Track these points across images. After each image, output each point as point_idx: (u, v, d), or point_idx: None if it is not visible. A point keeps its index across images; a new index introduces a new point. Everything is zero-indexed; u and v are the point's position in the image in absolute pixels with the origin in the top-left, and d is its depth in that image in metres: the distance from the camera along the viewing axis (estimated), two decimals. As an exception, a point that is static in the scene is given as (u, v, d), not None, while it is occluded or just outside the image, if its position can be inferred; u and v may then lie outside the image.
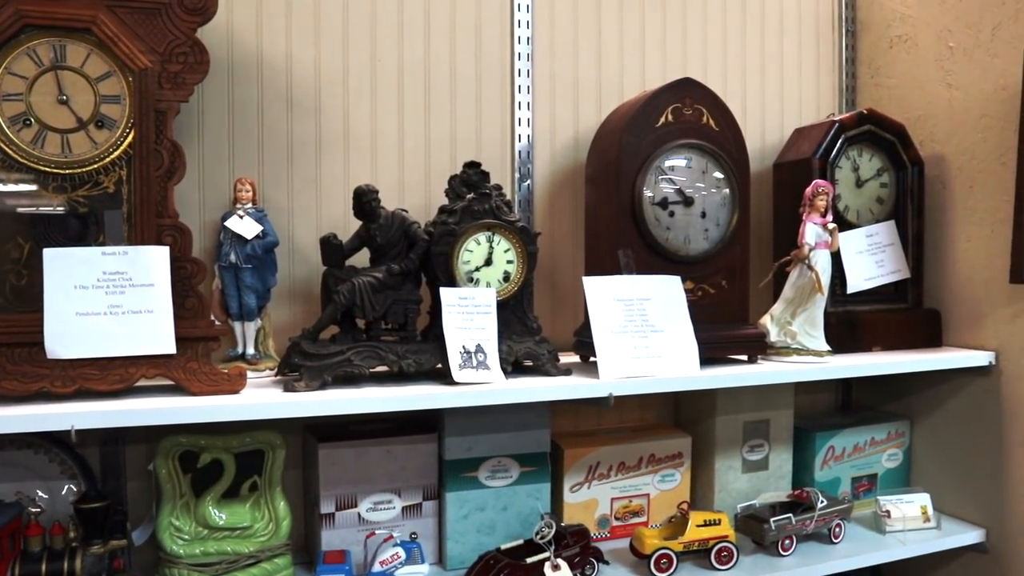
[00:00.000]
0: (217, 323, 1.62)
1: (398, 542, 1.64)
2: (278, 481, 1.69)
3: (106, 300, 1.39)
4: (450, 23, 1.96)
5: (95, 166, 1.40)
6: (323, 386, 1.53)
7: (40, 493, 1.64)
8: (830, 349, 1.92)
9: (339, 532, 1.73)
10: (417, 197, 1.92)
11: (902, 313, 2.17)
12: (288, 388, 1.51)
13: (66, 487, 1.66)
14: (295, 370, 1.56)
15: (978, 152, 2.06)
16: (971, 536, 2.08)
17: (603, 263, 1.81)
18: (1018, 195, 1.89)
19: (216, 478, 1.65)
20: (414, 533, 1.72)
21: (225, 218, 1.67)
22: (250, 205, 1.68)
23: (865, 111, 2.12)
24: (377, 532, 1.68)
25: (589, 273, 1.84)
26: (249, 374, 1.63)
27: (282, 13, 1.81)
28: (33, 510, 1.47)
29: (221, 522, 1.64)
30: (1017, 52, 1.87)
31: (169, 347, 1.42)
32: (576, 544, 1.75)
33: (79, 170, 1.40)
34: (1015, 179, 1.91)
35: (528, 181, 2.02)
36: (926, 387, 2.23)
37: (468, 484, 1.80)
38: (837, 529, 2.01)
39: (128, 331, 1.40)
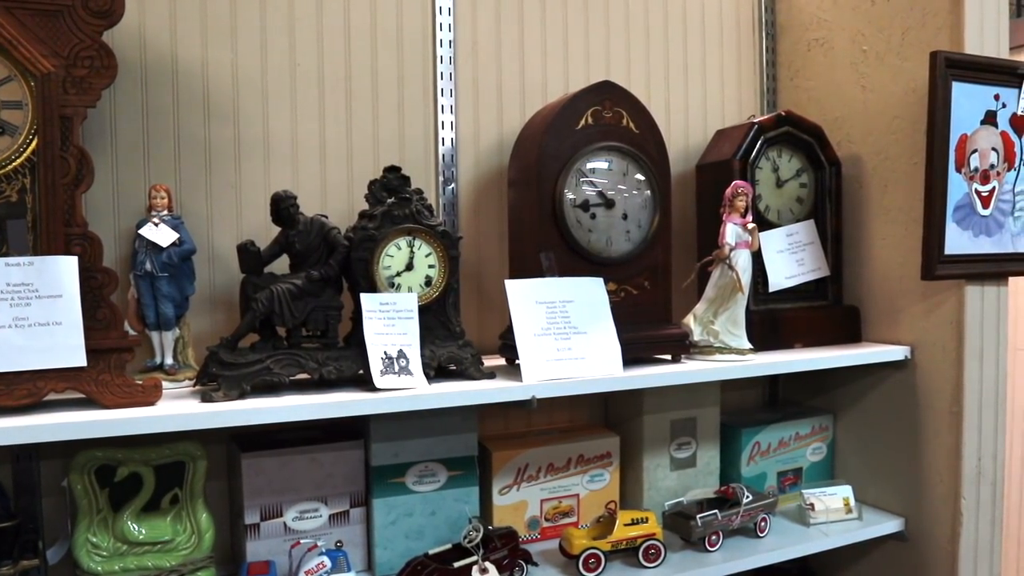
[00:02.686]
0: (133, 333, 1.58)
1: (323, 551, 1.62)
2: (200, 493, 1.66)
3: (11, 312, 1.34)
4: (370, 26, 1.95)
5: (-4, 174, 1.36)
6: (242, 395, 1.51)
7: (-52, 514, 1.58)
8: (752, 347, 1.95)
9: (265, 542, 1.71)
10: (340, 202, 1.90)
11: (823, 310, 2.22)
12: (205, 398, 1.49)
13: (-24, 507, 1.60)
14: (213, 380, 1.53)
15: (891, 152, 2.12)
16: (891, 525, 2.14)
17: (526, 266, 1.81)
18: (927, 195, 1.95)
19: (135, 492, 1.61)
20: (339, 541, 1.71)
21: (140, 226, 1.63)
22: (166, 212, 1.65)
23: (783, 113, 2.17)
24: (301, 542, 1.66)
25: (514, 276, 1.85)
26: (167, 384, 1.61)
27: (197, 17, 1.78)
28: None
29: (141, 537, 1.60)
30: (925, 56, 1.92)
31: (79, 360, 1.39)
32: (504, 547, 1.75)
33: (-21, 178, 1.35)
34: (924, 179, 1.96)
35: (452, 185, 2.02)
36: (848, 382, 2.28)
37: (395, 490, 1.79)
38: (763, 523, 2.05)
39: (35, 344, 1.36)
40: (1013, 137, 2.03)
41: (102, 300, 1.43)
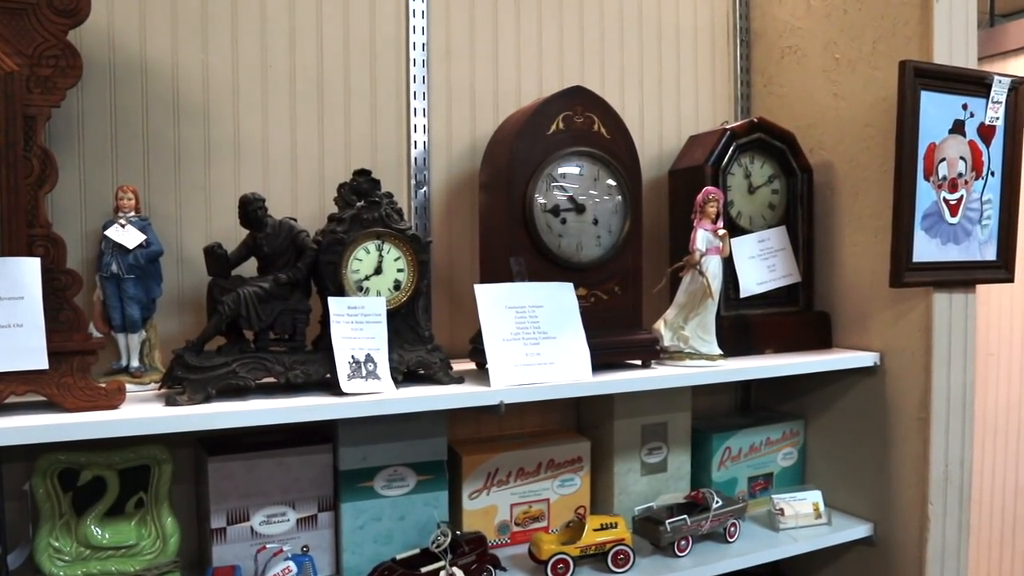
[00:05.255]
0: (99, 335, 1.57)
1: (288, 556, 1.61)
2: (165, 496, 1.64)
3: (-30, 315, 1.33)
4: (343, 28, 1.94)
5: (-44, 174, 1.34)
6: (207, 399, 1.49)
7: (-94, 519, 1.57)
8: (722, 353, 1.96)
9: (231, 547, 1.70)
10: (310, 206, 1.89)
11: (794, 316, 2.23)
12: (170, 402, 1.47)
13: (-65, 511, 1.58)
14: (179, 383, 1.52)
15: (862, 160, 2.14)
16: (860, 530, 2.15)
17: (497, 270, 1.81)
18: (896, 202, 1.96)
19: (99, 496, 1.60)
20: (305, 546, 1.70)
21: (106, 227, 1.62)
22: (133, 213, 1.63)
23: (756, 119, 2.17)
24: (267, 546, 1.65)
25: (484, 280, 1.85)
26: (133, 388, 1.59)
27: (167, 16, 1.77)
28: None
29: (104, 541, 1.59)
30: (895, 65, 1.94)
31: (41, 362, 1.37)
32: (473, 552, 1.75)
33: (-61, 179, 1.33)
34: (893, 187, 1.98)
35: (424, 188, 2.02)
36: (818, 387, 2.30)
37: (364, 494, 1.78)
38: (732, 528, 2.05)
39: (-5, 346, 1.35)
40: (981, 146, 2.05)
41: (65, 302, 1.42)
